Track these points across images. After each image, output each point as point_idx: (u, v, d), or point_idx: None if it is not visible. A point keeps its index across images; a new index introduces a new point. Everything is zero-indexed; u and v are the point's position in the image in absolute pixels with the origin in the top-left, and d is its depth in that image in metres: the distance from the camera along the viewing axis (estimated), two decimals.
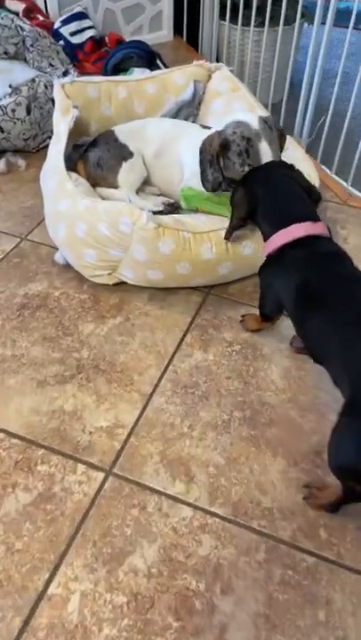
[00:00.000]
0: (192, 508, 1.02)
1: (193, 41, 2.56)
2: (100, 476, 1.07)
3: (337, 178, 1.85)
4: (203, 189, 1.34)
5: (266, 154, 1.23)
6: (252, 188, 1.15)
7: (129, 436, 1.13)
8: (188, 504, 1.03)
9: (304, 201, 1.13)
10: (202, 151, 1.32)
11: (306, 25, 2.51)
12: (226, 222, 1.26)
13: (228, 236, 1.26)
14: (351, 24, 1.70)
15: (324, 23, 1.81)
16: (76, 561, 0.96)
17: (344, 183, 1.83)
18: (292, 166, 1.19)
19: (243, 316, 1.35)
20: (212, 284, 1.42)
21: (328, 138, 1.92)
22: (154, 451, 1.10)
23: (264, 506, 1.03)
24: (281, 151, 1.33)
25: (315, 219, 1.09)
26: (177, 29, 2.61)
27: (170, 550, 0.97)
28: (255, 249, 1.32)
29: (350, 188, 1.83)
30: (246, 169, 1.23)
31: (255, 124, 1.25)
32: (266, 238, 1.13)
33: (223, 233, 1.28)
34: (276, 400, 1.19)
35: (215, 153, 1.26)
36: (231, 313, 1.38)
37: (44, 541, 0.98)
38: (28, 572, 0.94)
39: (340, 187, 1.79)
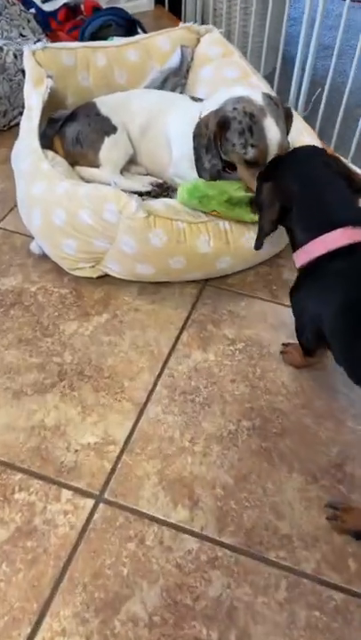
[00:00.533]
0: (198, 539, 0.88)
1: (175, 9, 2.37)
2: (89, 503, 0.91)
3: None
4: (197, 178, 1.14)
5: (273, 133, 1.05)
6: (284, 182, 0.92)
7: (121, 453, 0.97)
8: (194, 534, 0.88)
9: (347, 197, 0.91)
10: (196, 135, 1.14)
11: None
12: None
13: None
14: None
15: None
16: (63, 610, 0.80)
17: (344, 161, 1.68)
18: (325, 151, 0.99)
19: (285, 345, 1.12)
20: (208, 277, 1.26)
21: (324, 112, 1.78)
22: (151, 470, 0.95)
23: (282, 533, 0.88)
24: (287, 134, 1.16)
25: (358, 220, 0.87)
26: None
27: (174, 592, 0.82)
28: None
29: (351, 165, 1.69)
30: (250, 151, 1.05)
31: (259, 98, 1.07)
32: (297, 247, 0.92)
33: (222, 224, 1.12)
34: (288, 406, 1.05)
35: (213, 135, 1.07)
36: (232, 306, 1.22)
37: (24, 587, 0.82)
38: (5, 626, 0.79)
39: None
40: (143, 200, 1.13)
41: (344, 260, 0.85)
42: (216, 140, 1.09)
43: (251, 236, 1.15)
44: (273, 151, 1.05)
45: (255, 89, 1.15)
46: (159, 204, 1.11)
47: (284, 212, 0.92)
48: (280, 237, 1.25)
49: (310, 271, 0.89)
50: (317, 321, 0.89)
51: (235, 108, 1.07)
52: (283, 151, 1.06)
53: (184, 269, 1.16)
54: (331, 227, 0.86)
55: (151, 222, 1.07)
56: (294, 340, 1.02)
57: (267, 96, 1.09)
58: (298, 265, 0.92)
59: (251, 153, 1.06)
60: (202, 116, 1.14)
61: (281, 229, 0.96)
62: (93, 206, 1.06)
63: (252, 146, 1.05)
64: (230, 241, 1.14)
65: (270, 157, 1.06)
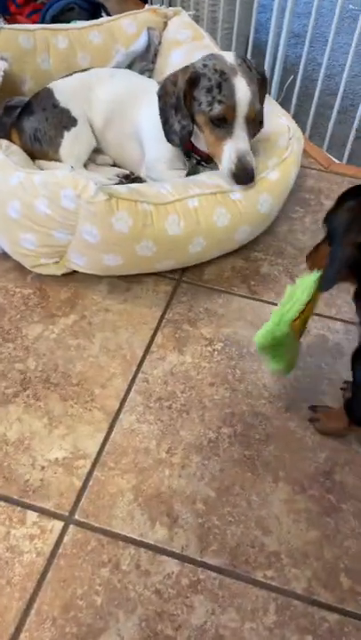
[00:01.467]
0: (179, 561, 0.80)
1: None
2: (58, 525, 0.83)
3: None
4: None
5: (243, 92, 1.00)
6: None
7: (92, 468, 0.89)
8: (174, 555, 0.81)
9: None
10: (161, 95, 1.08)
11: None
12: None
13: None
14: None
15: None
16: None
17: (322, 149, 1.62)
18: None
19: (313, 408, 0.96)
20: (182, 266, 1.18)
21: (298, 100, 1.72)
22: (125, 486, 0.87)
23: (269, 550, 0.82)
24: (261, 104, 1.09)
25: None
26: None
27: (154, 622, 0.75)
28: (232, 218, 1.09)
29: (326, 153, 1.63)
30: (216, 107, 1.00)
31: (231, 58, 1.02)
32: None
33: (190, 202, 1.04)
34: (271, 410, 0.98)
35: (182, 93, 1.02)
36: (208, 303, 1.15)
37: None
38: None
39: (320, 152, 1.58)
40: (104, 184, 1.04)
41: None
42: (186, 98, 1.03)
43: (222, 211, 1.07)
44: (242, 111, 1.01)
45: (227, 52, 1.09)
46: (121, 187, 1.02)
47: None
48: (262, 222, 1.19)
49: None
50: None
51: (205, 65, 1.02)
52: (253, 114, 1.02)
53: (154, 257, 1.07)
54: None
55: (113, 205, 0.98)
56: (321, 402, 0.97)
57: (240, 57, 1.03)
58: None
59: (217, 109, 1.01)
60: None
61: None
62: (50, 194, 0.97)
63: (219, 102, 1.00)
64: (201, 220, 1.06)
65: (239, 118, 1.01)
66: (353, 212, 0.74)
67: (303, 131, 1.71)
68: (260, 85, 1.07)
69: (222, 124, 1.03)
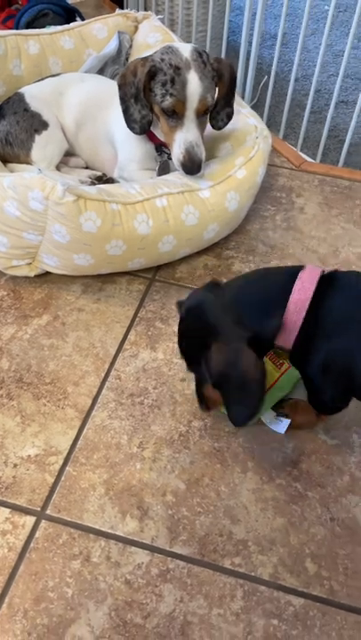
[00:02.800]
0: (149, 552, 0.82)
1: None
2: (30, 521, 0.84)
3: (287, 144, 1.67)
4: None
5: (194, 87, 1.05)
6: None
7: (64, 464, 0.91)
8: (144, 546, 0.82)
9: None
10: (121, 85, 1.11)
11: None
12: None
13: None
14: None
15: None
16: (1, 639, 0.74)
17: (294, 148, 1.65)
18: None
19: (280, 404, 0.97)
20: (154, 264, 1.20)
21: (272, 101, 1.75)
22: (97, 481, 0.89)
23: (237, 538, 0.84)
24: (230, 98, 1.13)
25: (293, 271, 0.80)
26: None
27: (123, 611, 0.77)
28: (201, 217, 1.11)
29: (301, 153, 1.66)
30: (167, 99, 1.05)
31: (187, 52, 1.06)
32: (276, 338, 0.81)
33: (158, 201, 1.07)
34: None
35: (141, 84, 1.07)
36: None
37: None
38: None
39: (291, 151, 1.60)
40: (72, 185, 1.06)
41: (333, 295, 0.77)
42: (145, 89, 1.08)
43: (190, 210, 1.10)
44: (192, 105, 1.06)
45: (190, 44, 1.13)
46: (90, 188, 1.04)
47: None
48: (231, 220, 1.21)
49: (310, 329, 0.77)
50: (347, 373, 0.78)
51: (162, 59, 1.06)
52: (203, 107, 1.07)
53: (125, 256, 1.09)
54: (284, 293, 0.77)
55: (81, 206, 1.00)
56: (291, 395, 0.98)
57: (197, 51, 1.07)
58: (290, 343, 0.80)
59: (167, 101, 1.06)
60: None
61: None
62: (18, 196, 0.99)
63: (171, 95, 1.05)
64: (170, 218, 1.09)
65: (189, 111, 1.06)
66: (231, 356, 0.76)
67: (278, 130, 1.74)
68: (219, 79, 1.10)
69: (174, 115, 1.07)
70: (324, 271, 0.80)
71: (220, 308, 0.79)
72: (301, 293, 0.76)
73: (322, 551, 0.83)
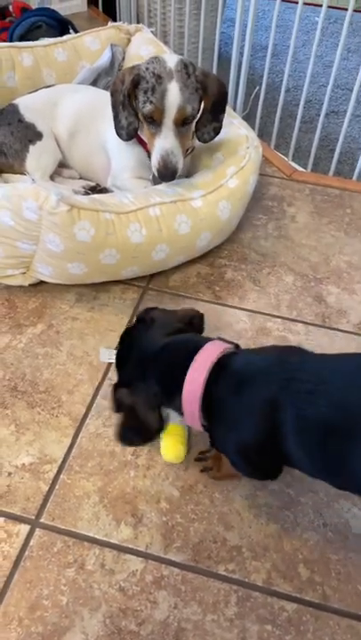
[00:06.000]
0: (143, 559, 0.82)
1: (110, 10, 2.33)
2: (25, 529, 0.84)
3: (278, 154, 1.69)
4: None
5: (174, 96, 1.07)
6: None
7: (59, 473, 0.91)
8: (138, 553, 0.83)
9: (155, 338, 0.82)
10: (113, 92, 1.15)
11: None
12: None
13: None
14: None
15: None
16: None
17: (285, 158, 1.68)
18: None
19: (202, 455, 0.93)
20: (147, 273, 1.21)
21: (264, 111, 1.78)
22: (91, 489, 0.89)
23: (230, 544, 0.84)
24: (219, 112, 1.15)
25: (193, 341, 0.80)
26: None
27: (118, 618, 0.77)
28: (193, 225, 1.13)
29: (292, 162, 1.68)
30: (147, 106, 1.08)
31: (173, 62, 1.09)
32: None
33: (152, 210, 1.09)
34: None
35: (127, 91, 1.10)
36: (174, 309, 1.18)
37: None
38: None
39: (282, 160, 1.63)
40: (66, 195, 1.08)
41: (221, 383, 0.73)
42: (130, 97, 1.11)
43: (182, 219, 1.12)
44: (170, 114, 1.08)
45: (178, 55, 1.15)
46: (83, 197, 1.06)
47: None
48: (223, 228, 1.23)
49: (212, 415, 0.75)
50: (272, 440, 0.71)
51: (147, 68, 1.09)
52: (182, 117, 1.10)
53: (119, 264, 1.10)
54: (181, 367, 0.75)
55: (75, 215, 1.01)
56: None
57: (183, 63, 1.09)
58: (199, 426, 0.77)
59: (147, 108, 1.08)
60: None
61: None
62: (12, 206, 1.00)
63: (150, 102, 1.08)
64: (162, 227, 1.10)
65: (167, 119, 1.09)
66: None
67: (269, 140, 1.76)
68: (203, 91, 1.12)
69: (153, 122, 1.10)
70: (224, 350, 0.76)
71: (149, 355, 0.79)
72: (192, 384, 0.73)
73: (315, 556, 0.83)
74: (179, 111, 1.08)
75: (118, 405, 0.81)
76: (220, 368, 0.74)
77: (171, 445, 0.91)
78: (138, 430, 0.80)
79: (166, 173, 1.11)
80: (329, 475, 0.71)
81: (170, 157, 1.10)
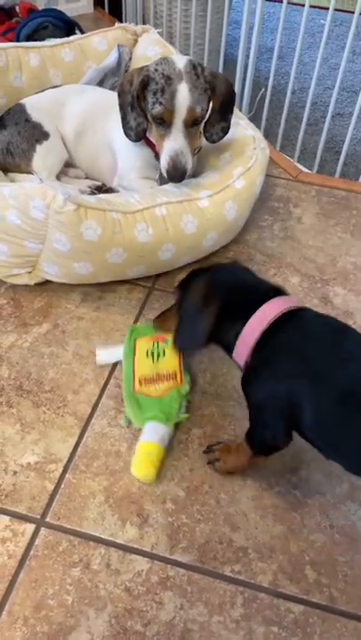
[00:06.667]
0: (148, 559, 0.82)
1: (116, 12, 2.33)
2: (30, 528, 0.84)
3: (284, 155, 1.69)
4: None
5: (183, 97, 1.07)
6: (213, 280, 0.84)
7: (64, 472, 0.91)
8: (144, 553, 0.83)
9: (262, 282, 0.87)
10: (120, 93, 1.14)
11: None
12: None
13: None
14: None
15: None
16: None
17: (291, 160, 1.67)
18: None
19: (210, 448, 0.93)
20: (153, 272, 1.21)
21: (269, 113, 1.78)
22: (97, 488, 0.89)
23: (237, 545, 0.84)
24: (226, 113, 1.15)
25: (279, 292, 0.83)
26: (97, 0, 2.37)
27: (124, 618, 0.76)
28: (199, 225, 1.13)
29: (298, 164, 1.68)
30: (156, 107, 1.08)
31: (182, 63, 1.08)
32: (233, 346, 0.83)
33: (158, 210, 1.08)
34: (240, 411, 1.00)
35: (136, 93, 1.10)
36: None
37: None
38: None
39: (288, 162, 1.62)
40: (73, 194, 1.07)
41: (292, 324, 0.77)
42: (139, 98, 1.11)
43: (189, 218, 1.12)
44: (180, 114, 1.08)
45: (184, 56, 1.15)
46: (90, 197, 1.06)
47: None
48: (229, 229, 1.23)
49: (261, 355, 0.78)
50: (292, 405, 0.74)
51: (156, 69, 1.09)
52: (192, 118, 1.09)
53: (125, 264, 1.10)
54: (255, 306, 0.79)
55: (82, 214, 1.01)
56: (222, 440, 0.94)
57: (191, 63, 1.09)
58: (243, 361, 0.81)
59: (156, 109, 1.08)
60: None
61: None
62: (19, 205, 1.00)
63: (160, 104, 1.07)
64: (169, 227, 1.10)
65: (177, 120, 1.08)
66: (203, 293, 0.81)
67: (275, 142, 1.76)
68: (225, 97, 1.12)
69: (163, 123, 1.10)
70: (297, 302, 0.80)
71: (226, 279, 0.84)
72: (259, 320, 0.77)
73: (321, 558, 0.83)
74: (189, 112, 1.08)
75: (180, 303, 0.84)
76: (288, 317, 0.77)
77: (142, 463, 0.88)
78: (193, 328, 0.81)
79: (176, 174, 1.10)
80: (339, 449, 0.75)
81: (179, 158, 1.10)
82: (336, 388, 0.71)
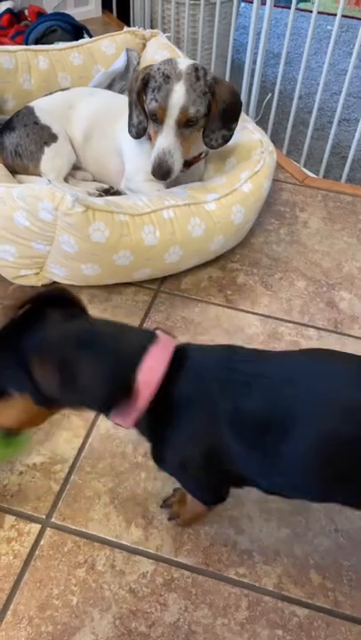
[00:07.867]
0: (153, 561, 0.82)
1: (124, 16, 2.35)
2: (35, 528, 0.84)
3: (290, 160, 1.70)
4: None
5: (177, 97, 1.08)
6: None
7: (70, 473, 0.91)
8: (149, 555, 0.83)
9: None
10: (129, 91, 1.17)
11: (242, 4, 2.36)
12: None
13: None
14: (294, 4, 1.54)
15: (263, 4, 1.64)
16: None
17: (297, 164, 1.68)
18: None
19: (165, 502, 0.87)
20: (160, 275, 1.21)
21: (276, 118, 1.78)
22: (102, 489, 0.89)
23: (241, 548, 0.84)
24: (232, 120, 1.15)
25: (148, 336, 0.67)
26: (106, 4, 2.39)
27: (128, 620, 0.77)
28: (206, 229, 1.13)
29: (304, 169, 1.69)
30: (151, 103, 1.09)
31: (184, 65, 1.10)
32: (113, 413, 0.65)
33: (165, 213, 1.10)
34: None
35: (138, 90, 1.12)
36: (186, 312, 1.18)
37: None
38: None
39: (295, 166, 1.63)
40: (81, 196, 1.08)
41: (188, 373, 0.64)
42: (140, 95, 1.12)
43: (196, 222, 1.13)
44: (173, 114, 1.09)
45: (190, 60, 1.16)
46: (98, 199, 1.06)
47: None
48: (236, 232, 1.23)
49: (161, 414, 0.64)
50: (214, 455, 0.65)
51: (158, 69, 1.11)
52: (184, 118, 1.10)
53: (132, 266, 1.11)
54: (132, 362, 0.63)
55: (90, 216, 1.02)
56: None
57: (194, 67, 1.10)
58: (130, 423, 0.65)
59: (151, 105, 1.10)
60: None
61: None
62: (28, 207, 1.00)
63: (155, 101, 1.09)
64: (176, 230, 1.11)
65: (169, 119, 1.09)
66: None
67: (281, 146, 1.77)
68: (212, 96, 1.12)
69: (157, 120, 1.11)
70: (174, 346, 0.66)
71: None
72: (149, 374, 0.62)
73: (326, 562, 0.83)
74: (181, 112, 1.09)
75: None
76: (179, 360, 0.64)
77: None
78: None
79: (159, 172, 1.11)
80: (265, 474, 0.66)
81: (166, 157, 1.11)
82: (251, 423, 0.62)
